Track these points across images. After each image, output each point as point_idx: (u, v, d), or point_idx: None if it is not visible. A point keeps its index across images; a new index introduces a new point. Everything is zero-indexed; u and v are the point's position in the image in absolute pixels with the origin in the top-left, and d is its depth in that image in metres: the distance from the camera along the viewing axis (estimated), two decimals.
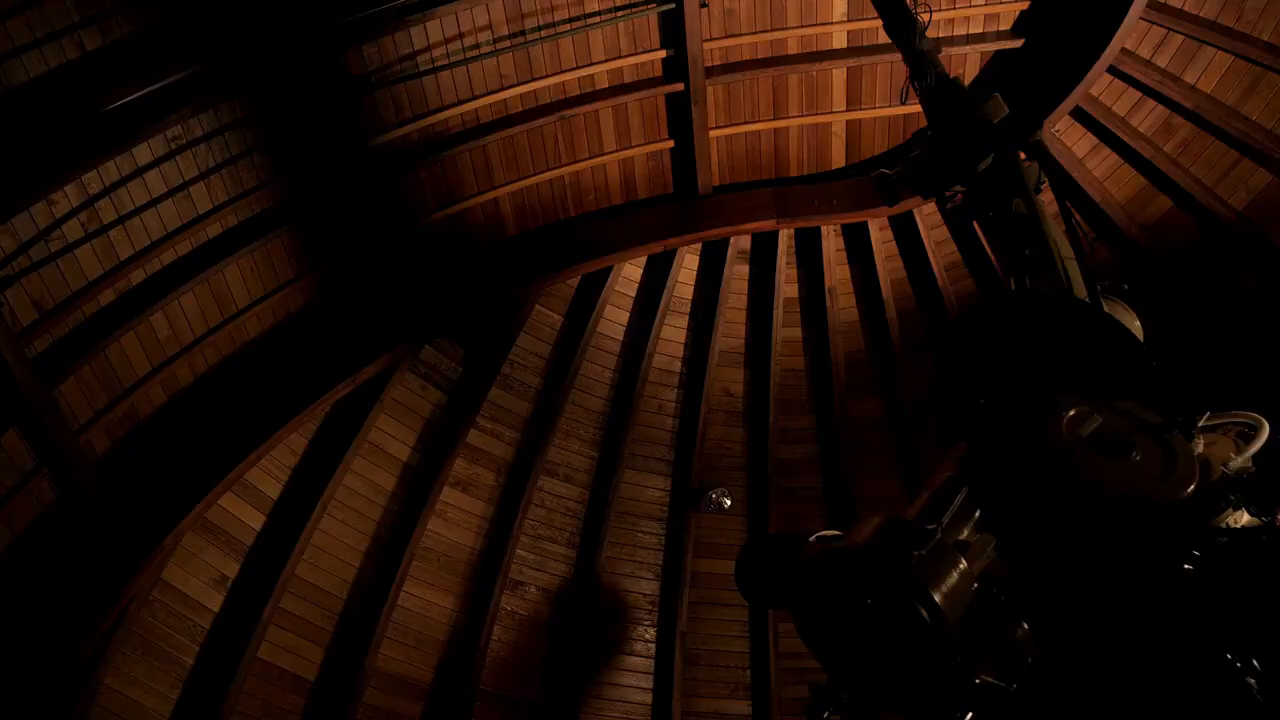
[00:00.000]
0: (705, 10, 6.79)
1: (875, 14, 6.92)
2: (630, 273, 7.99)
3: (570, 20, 6.66)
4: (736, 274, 8.04)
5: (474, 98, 6.73)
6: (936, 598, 1.66)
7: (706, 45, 6.98)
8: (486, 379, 7.56)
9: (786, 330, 8.07)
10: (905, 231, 7.84)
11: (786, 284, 8.00)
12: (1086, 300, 2.55)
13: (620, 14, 6.73)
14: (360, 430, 7.00)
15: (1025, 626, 1.77)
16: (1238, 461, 2.09)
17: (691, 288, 8.11)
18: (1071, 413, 2.04)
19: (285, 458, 6.86)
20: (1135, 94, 7.02)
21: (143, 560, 5.95)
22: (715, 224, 7.65)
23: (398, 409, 7.30)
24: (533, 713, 7.44)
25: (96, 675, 5.86)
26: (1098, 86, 7.01)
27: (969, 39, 7.20)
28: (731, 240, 7.84)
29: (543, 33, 6.64)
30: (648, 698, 7.63)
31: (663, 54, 7.01)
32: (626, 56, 6.97)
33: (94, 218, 5.60)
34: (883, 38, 7.07)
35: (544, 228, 7.60)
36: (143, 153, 5.66)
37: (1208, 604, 1.69)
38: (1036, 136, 2.74)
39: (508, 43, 6.60)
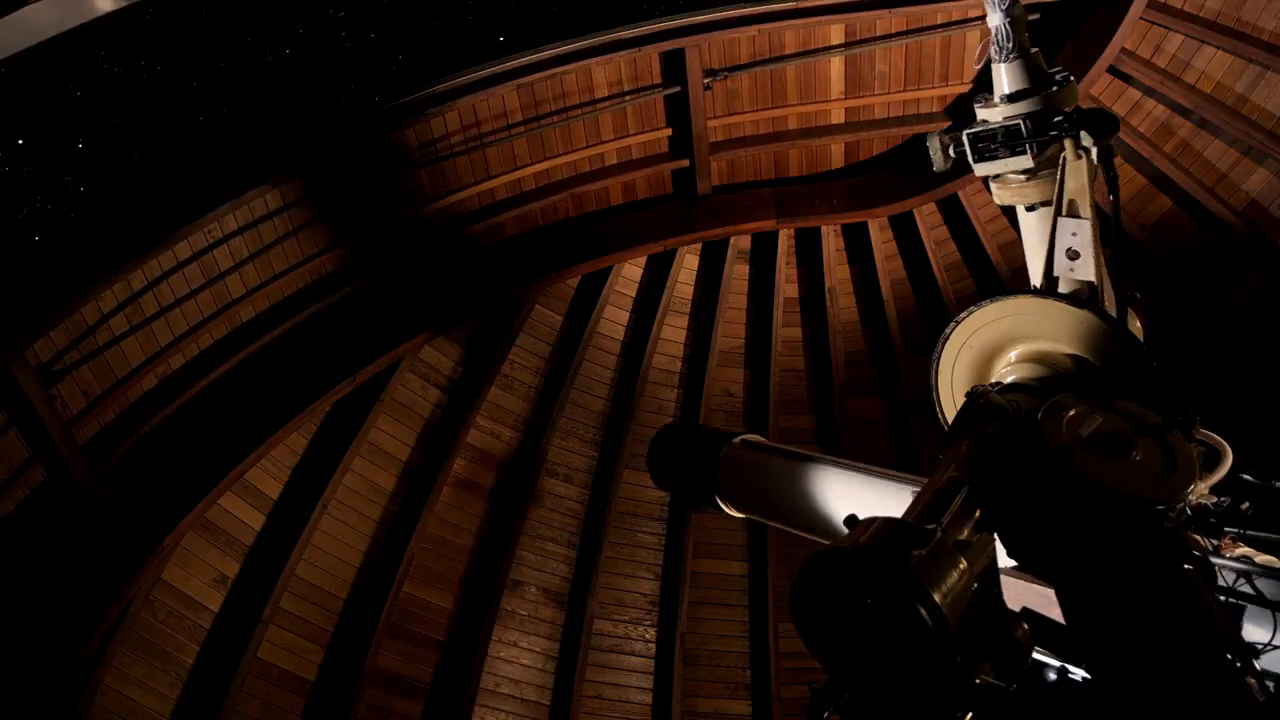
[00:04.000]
0: (709, 91, 7.02)
1: (870, 92, 7.25)
2: (630, 273, 7.99)
3: (581, 105, 6.96)
4: (736, 274, 8.04)
5: (489, 177, 7.01)
6: (936, 598, 1.66)
7: (710, 123, 7.24)
8: (486, 379, 7.57)
9: (786, 330, 8.08)
10: (905, 231, 7.85)
11: (786, 284, 8.01)
12: (1116, 307, 2.52)
13: (628, 98, 7.02)
14: (360, 430, 7.01)
15: (1025, 626, 1.77)
16: (1200, 489, 1.95)
17: (691, 288, 8.12)
18: (1071, 413, 2.04)
19: (285, 458, 6.86)
20: (1135, 94, 7.02)
21: (143, 560, 5.95)
22: (715, 224, 7.67)
23: (398, 409, 7.30)
24: (532, 712, 7.44)
25: (96, 675, 5.86)
26: (1097, 86, 7.02)
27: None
28: (731, 240, 7.85)
29: (555, 118, 6.94)
30: (648, 698, 7.63)
31: (668, 132, 7.28)
32: (634, 135, 7.27)
33: (138, 311, 5.83)
34: (878, 114, 7.43)
35: (544, 228, 7.61)
36: (183, 249, 5.90)
37: (1208, 604, 1.69)
38: (1111, 138, 2.48)
39: (522, 129, 6.91)
